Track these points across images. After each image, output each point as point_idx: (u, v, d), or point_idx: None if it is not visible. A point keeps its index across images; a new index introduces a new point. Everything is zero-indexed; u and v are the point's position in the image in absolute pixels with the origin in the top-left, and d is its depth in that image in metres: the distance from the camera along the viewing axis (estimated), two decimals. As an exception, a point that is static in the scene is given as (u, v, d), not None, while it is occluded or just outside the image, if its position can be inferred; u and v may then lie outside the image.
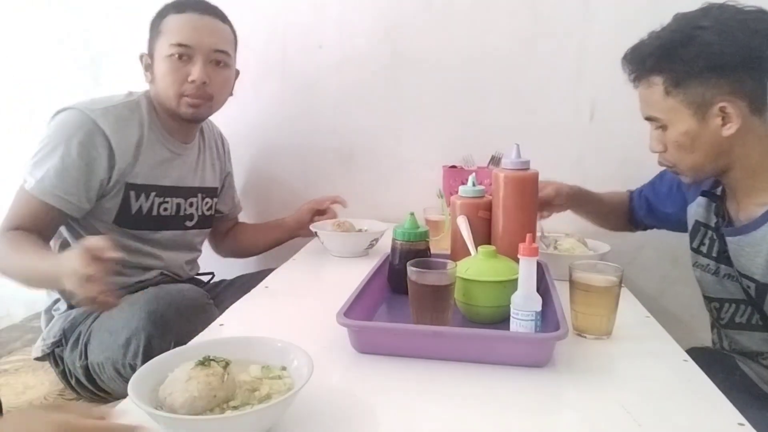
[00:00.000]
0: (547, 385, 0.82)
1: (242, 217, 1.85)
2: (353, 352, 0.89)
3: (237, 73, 1.44)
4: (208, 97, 1.33)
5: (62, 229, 1.29)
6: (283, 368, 0.73)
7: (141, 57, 1.35)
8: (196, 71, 1.29)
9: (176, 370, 0.68)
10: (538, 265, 0.94)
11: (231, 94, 1.43)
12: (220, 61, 1.33)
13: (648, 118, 1.11)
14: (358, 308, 0.94)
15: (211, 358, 0.68)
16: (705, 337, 1.33)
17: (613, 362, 0.90)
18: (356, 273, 1.11)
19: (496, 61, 1.68)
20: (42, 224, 1.20)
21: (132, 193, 1.29)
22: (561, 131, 1.68)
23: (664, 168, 1.35)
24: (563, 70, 1.66)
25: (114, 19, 1.84)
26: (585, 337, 0.97)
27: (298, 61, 1.77)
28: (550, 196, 1.31)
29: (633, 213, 1.42)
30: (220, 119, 1.65)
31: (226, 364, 0.68)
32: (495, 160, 1.64)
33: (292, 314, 1.08)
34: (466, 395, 0.78)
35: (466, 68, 1.70)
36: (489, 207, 1.16)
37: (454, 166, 1.68)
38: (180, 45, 1.28)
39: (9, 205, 1.20)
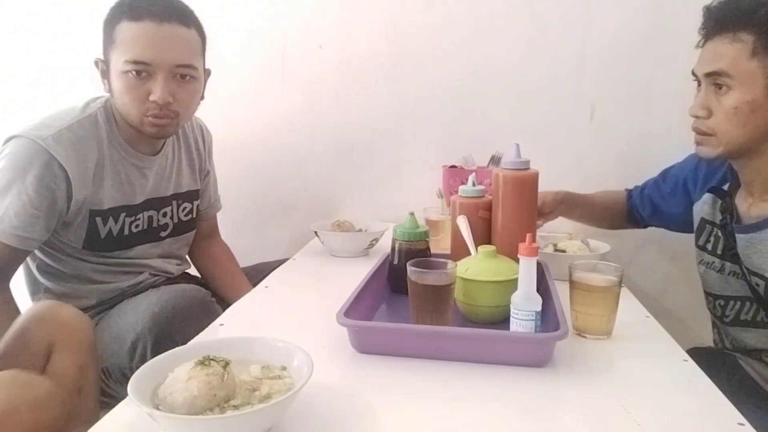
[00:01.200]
0: (547, 385, 0.82)
1: (242, 216, 1.86)
2: (353, 352, 0.89)
3: (208, 73, 1.29)
4: (174, 115, 1.19)
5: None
6: (283, 368, 0.73)
7: (96, 62, 1.22)
8: (158, 90, 1.14)
9: (176, 370, 0.68)
10: (538, 265, 0.94)
11: (202, 98, 1.28)
12: (186, 74, 1.19)
13: (711, 74, 1.03)
14: (358, 308, 0.94)
15: (211, 357, 0.68)
16: (705, 337, 1.33)
17: (613, 362, 0.90)
18: (356, 273, 1.11)
19: (496, 60, 1.68)
20: (5, 266, 1.15)
21: (98, 219, 1.21)
22: (561, 131, 1.68)
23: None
24: (563, 71, 1.66)
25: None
26: (585, 337, 0.97)
27: (298, 61, 1.77)
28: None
29: (632, 211, 1.41)
30: (220, 119, 1.64)
31: (226, 364, 0.68)
32: (495, 160, 1.64)
33: (292, 314, 1.09)
34: (466, 395, 0.78)
35: (466, 68, 1.70)
36: (489, 207, 1.16)
37: (454, 166, 1.69)
38: (137, 62, 1.13)
39: None
